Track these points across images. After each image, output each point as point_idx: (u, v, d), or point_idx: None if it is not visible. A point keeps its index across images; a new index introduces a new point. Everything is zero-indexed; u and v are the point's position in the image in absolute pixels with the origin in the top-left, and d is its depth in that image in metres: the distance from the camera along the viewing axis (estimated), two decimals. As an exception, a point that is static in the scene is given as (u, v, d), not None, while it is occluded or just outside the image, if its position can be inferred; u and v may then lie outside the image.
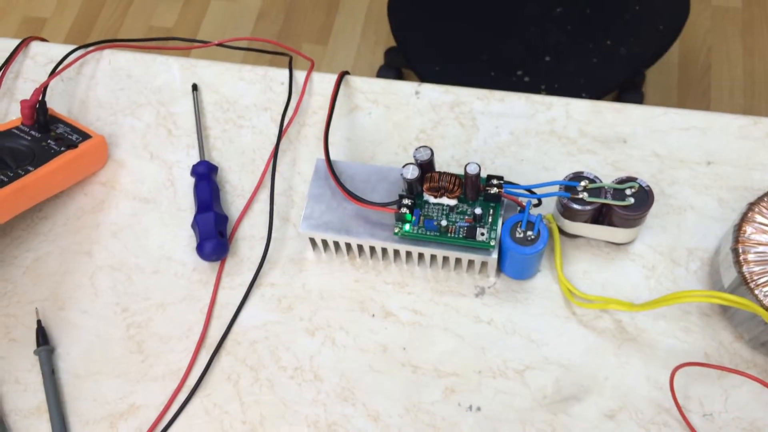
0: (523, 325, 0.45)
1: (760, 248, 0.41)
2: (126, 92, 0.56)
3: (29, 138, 0.49)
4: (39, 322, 0.46)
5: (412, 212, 0.44)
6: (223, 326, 0.46)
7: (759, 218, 0.42)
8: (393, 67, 1.31)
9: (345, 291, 0.47)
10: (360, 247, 0.46)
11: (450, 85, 0.54)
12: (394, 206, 0.44)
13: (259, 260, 0.48)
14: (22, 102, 0.49)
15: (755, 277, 0.40)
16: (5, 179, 0.45)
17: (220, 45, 0.59)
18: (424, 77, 0.93)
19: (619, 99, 1.23)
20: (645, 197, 0.43)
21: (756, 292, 0.40)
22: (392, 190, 0.46)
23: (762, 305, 0.39)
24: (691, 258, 0.46)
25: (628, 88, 1.22)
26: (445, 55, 0.94)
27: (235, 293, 0.47)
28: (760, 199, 0.43)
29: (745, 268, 0.41)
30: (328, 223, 0.46)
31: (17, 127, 0.50)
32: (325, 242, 0.47)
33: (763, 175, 0.48)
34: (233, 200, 0.51)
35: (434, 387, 0.43)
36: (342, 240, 0.46)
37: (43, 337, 0.46)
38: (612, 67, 0.91)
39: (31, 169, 0.47)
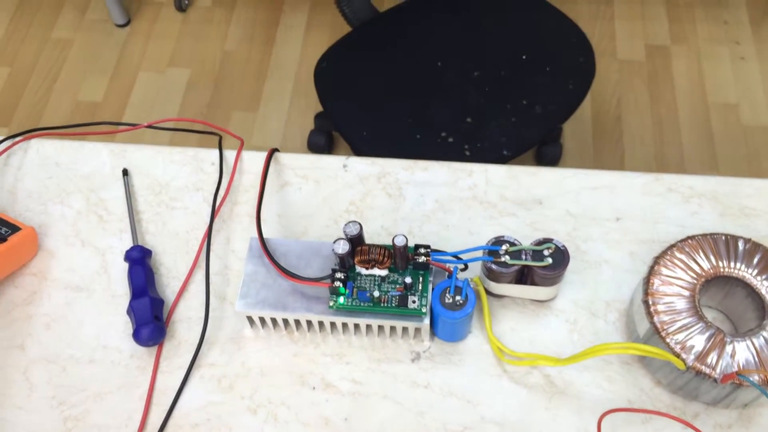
0: (459, 386, 0.47)
1: (667, 299, 0.44)
2: (55, 180, 0.56)
3: (-45, 234, 0.49)
4: (-30, 423, 0.45)
5: (345, 285, 0.46)
6: (163, 412, 0.46)
7: (664, 270, 0.46)
8: (323, 131, 1.34)
9: (285, 366, 0.48)
10: (297, 322, 0.48)
11: (377, 151, 0.57)
12: (327, 280, 0.46)
13: (197, 342, 0.48)
14: (-52, 198, 0.49)
15: (665, 327, 0.43)
16: (-69, 279, 0.44)
17: (149, 127, 0.60)
18: (352, 142, 0.96)
19: (539, 152, 1.30)
20: (561, 257, 0.46)
21: (667, 340, 0.43)
22: (325, 264, 0.48)
23: (674, 352, 0.43)
24: (609, 310, 0.49)
25: (547, 142, 1.29)
26: (371, 119, 0.98)
27: (174, 377, 0.47)
28: (664, 252, 0.46)
29: (655, 318, 0.44)
30: (264, 301, 0.47)
31: (-58, 224, 0.49)
32: (262, 319, 0.48)
33: (667, 227, 0.52)
34: (168, 282, 0.51)
35: (377, 455, 0.45)
36: (279, 316, 0.47)
37: (-26, 439, 0.44)
38: (529, 124, 0.96)
39: (-42, 266, 0.46)
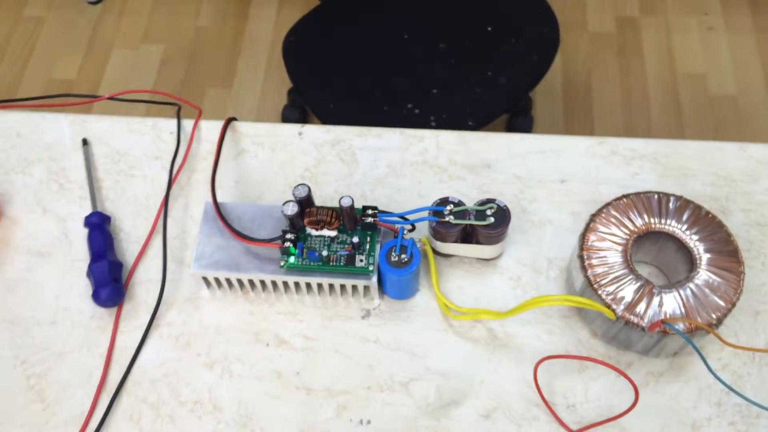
0: (407, 340, 0.49)
1: (602, 253, 0.47)
2: (17, 150, 0.57)
3: None
4: (-65, 382, 0.47)
5: (295, 246, 0.48)
6: (122, 369, 0.48)
7: (600, 227, 0.48)
8: (297, 106, 1.35)
9: (240, 324, 0.50)
10: (251, 282, 0.50)
11: (345, 123, 0.58)
12: (278, 241, 0.48)
13: (155, 303, 0.50)
14: None
15: (598, 279, 0.46)
16: None
17: (111, 98, 0.61)
18: (320, 115, 0.98)
19: (510, 124, 1.31)
20: (503, 216, 0.48)
21: (599, 292, 0.45)
22: (278, 227, 0.50)
23: (605, 303, 0.45)
24: (551, 267, 0.51)
25: (518, 113, 1.31)
26: (338, 92, 0.99)
27: (133, 336, 0.49)
28: (600, 210, 0.49)
29: (589, 272, 0.46)
30: (218, 262, 0.49)
31: None
32: (217, 280, 0.50)
33: (609, 189, 0.54)
34: (128, 247, 0.53)
35: (327, 406, 0.47)
36: (233, 276, 0.49)
37: (-60, 397, 0.46)
38: (495, 95, 0.98)
39: None
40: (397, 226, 0.49)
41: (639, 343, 0.46)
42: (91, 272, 0.50)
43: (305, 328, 0.49)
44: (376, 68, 1.00)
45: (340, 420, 0.46)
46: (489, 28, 1.02)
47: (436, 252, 0.51)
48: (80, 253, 0.52)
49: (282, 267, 0.48)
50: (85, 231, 0.53)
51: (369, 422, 0.46)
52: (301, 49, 1.04)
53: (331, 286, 0.50)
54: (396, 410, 0.46)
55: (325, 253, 0.48)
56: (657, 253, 0.50)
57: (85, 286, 0.51)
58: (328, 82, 1.00)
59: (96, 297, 0.49)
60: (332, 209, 0.48)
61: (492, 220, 0.48)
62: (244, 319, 0.50)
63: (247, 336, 0.49)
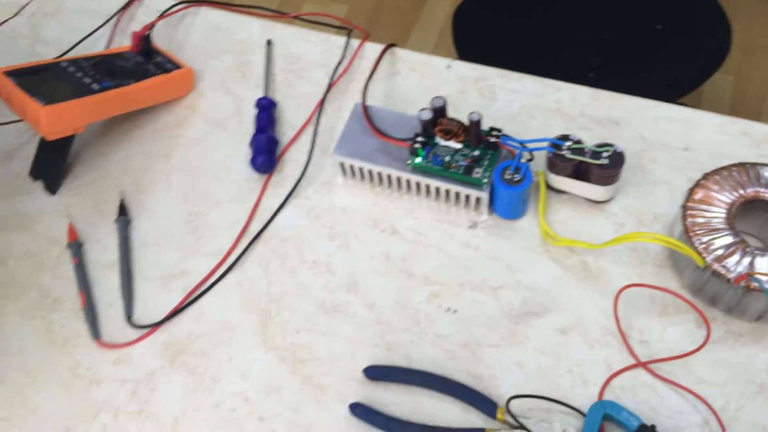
0: (504, 254, 0.54)
1: (705, 207, 0.49)
2: (214, 40, 0.68)
3: (134, 61, 0.62)
4: (122, 200, 0.58)
5: (423, 148, 0.54)
6: (261, 224, 0.57)
7: (711, 185, 0.50)
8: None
9: (363, 210, 0.57)
10: (380, 175, 0.57)
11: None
12: (410, 141, 0.54)
13: (298, 178, 0.59)
14: (133, 33, 0.63)
15: (695, 228, 0.48)
16: (114, 85, 0.58)
17: (296, 17, 0.71)
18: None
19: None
20: (618, 159, 0.52)
21: (693, 239, 0.48)
22: (411, 134, 0.56)
23: (696, 250, 0.47)
24: (656, 221, 0.54)
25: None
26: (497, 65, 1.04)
27: (274, 200, 0.58)
28: (714, 171, 0.51)
29: (689, 221, 0.49)
30: (356, 152, 0.56)
31: (127, 52, 0.63)
32: (352, 168, 0.57)
33: (731, 163, 0.56)
34: (285, 131, 0.62)
35: (422, 291, 0.53)
36: (365, 166, 0.56)
37: (123, 211, 0.58)
38: (648, 95, 0.99)
39: (132, 82, 0.59)
40: (517, 151, 0.54)
41: (724, 297, 0.48)
42: (253, 142, 0.59)
43: (417, 224, 0.56)
44: (537, 49, 1.04)
45: (430, 304, 0.52)
46: (658, 26, 1.03)
47: (549, 187, 0.56)
48: (248, 129, 0.62)
49: (408, 165, 0.55)
50: (255, 111, 0.63)
51: (455, 312, 0.52)
52: (469, 26, 1.10)
53: (447, 192, 0.55)
54: (482, 308, 0.52)
55: (447, 158, 0.54)
56: (763, 224, 0.51)
57: (246, 154, 0.61)
58: (489, 55, 1.06)
59: (253, 162, 0.58)
60: (461, 123, 0.54)
61: (606, 162, 0.52)
62: (368, 207, 0.57)
63: (366, 221, 0.56)
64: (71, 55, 0.66)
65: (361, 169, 0.57)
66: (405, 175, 0.55)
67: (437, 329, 0.51)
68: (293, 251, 0.56)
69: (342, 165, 0.57)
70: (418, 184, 0.56)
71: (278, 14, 0.71)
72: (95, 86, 0.57)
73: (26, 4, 0.70)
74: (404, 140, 0.55)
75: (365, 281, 0.54)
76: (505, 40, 1.06)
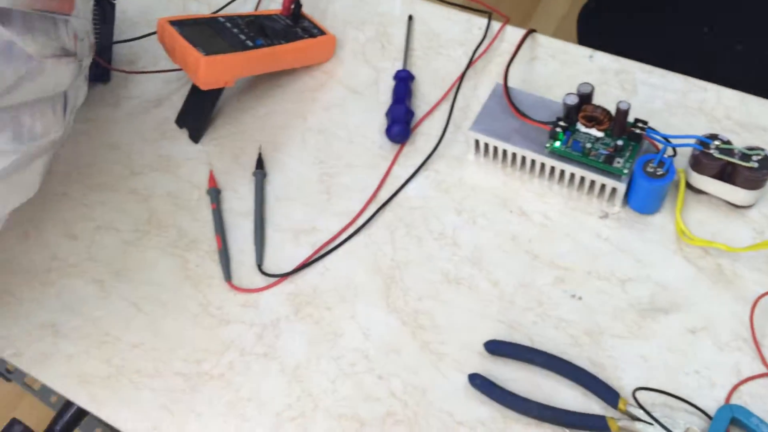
0: (636, 248, 0.53)
1: None
2: (357, 11, 0.70)
3: (284, 23, 0.64)
4: (260, 154, 0.61)
5: (564, 133, 0.54)
6: (391, 191, 0.58)
7: None
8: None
9: (493, 188, 0.57)
10: (514, 156, 0.57)
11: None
12: (551, 125, 0.54)
13: (430, 151, 0.60)
14: (286, -3, 0.65)
15: None
16: (266, 44, 0.60)
17: (434, -4, 0.72)
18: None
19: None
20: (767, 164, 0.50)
21: None
22: (551, 118, 0.56)
23: None
24: (801, 232, 0.52)
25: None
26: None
27: (406, 170, 0.59)
28: None
29: (844, 234, 0.47)
30: (493, 130, 0.56)
31: (277, 15, 0.65)
32: (486, 146, 0.57)
33: None
34: (420, 105, 0.63)
35: (547, 274, 0.53)
36: (501, 146, 0.56)
37: (260, 165, 0.60)
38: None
39: (282, 43, 0.61)
40: (661, 145, 0.53)
41: None
42: (390, 112, 0.60)
43: (546, 208, 0.56)
44: (666, 56, 1.02)
45: (555, 288, 0.52)
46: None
47: (689, 186, 0.54)
48: (384, 99, 0.63)
49: (547, 148, 0.54)
50: (392, 84, 0.64)
51: (580, 298, 0.51)
52: (596, 18, 1.08)
53: (582, 180, 0.55)
54: (608, 298, 0.51)
55: (588, 145, 0.53)
56: None
57: (380, 123, 0.62)
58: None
59: (389, 131, 0.60)
60: (607, 111, 0.53)
61: (756, 165, 0.50)
62: (498, 186, 0.57)
63: (496, 200, 0.57)
64: (226, 12, 0.69)
65: (495, 148, 0.57)
66: (540, 158, 0.55)
67: (561, 313, 0.51)
68: (420, 221, 0.57)
69: (477, 142, 0.58)
70: (552, 169, 0.56)
71: (417, -7, 0.72)
72: (249, 43, 0.59)
73: (184, -37, 0.74)
74: (545, 123, 0.55)
75: (490, 258, 0.54)
76: (629, 41, 1.04)
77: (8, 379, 0.97)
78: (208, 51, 0.56)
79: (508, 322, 0.51)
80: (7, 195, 0.45)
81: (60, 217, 0.60)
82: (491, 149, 0.57)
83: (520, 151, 0.56)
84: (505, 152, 0.57)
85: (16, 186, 0.45)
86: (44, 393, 0.93)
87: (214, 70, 0.56)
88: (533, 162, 0.56)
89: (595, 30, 1.06)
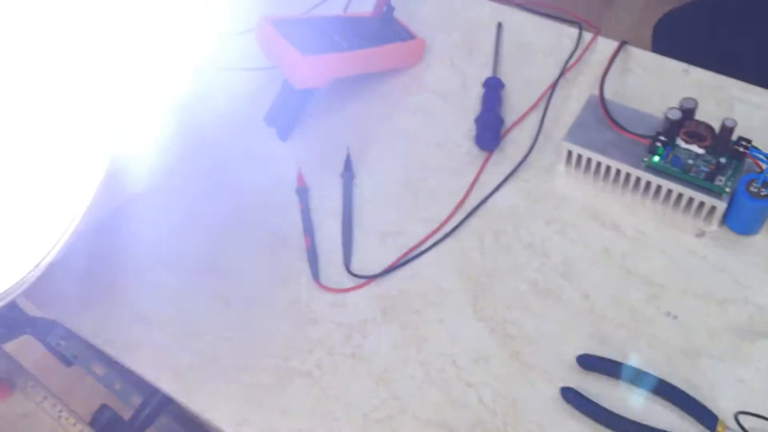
0: (733, 268, 0.52)
1: None
2: (444, 16, 0.70)
3: (376, 26, 0.64)
4: (348, 155, 0.61)
5: (664, 148, 0.53)
6: (480, 197, 0.58)
7: None
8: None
9: (584, 200, 0.57)
10: (608, 169, 0.56)
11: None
12: (650, 139, 0.53)
13: (519, 160, 0.59)
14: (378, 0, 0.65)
15: None
16: (360, 45, 0.60)
17: (518, 5, 0.72)
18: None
19: None
20: None
21: None
22: (646, 131, 0.55)
23: None
24: None
25: None
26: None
27: (494, 177, 0.59)
28: None
29: None
30: (587, 142, 0.56)
31: (369, 17, 0.65)
32: (579, 157, 0.57)
33: None
34: (509, 112, 0.62)
35: (641, 290, 0.52)
36: (595, 158, 0.56)
37: (348, 166, 0.60)
38: None
39: (374, 45, 0.62)
40: (764, 164, 0.52)
41: None
42: (480, 119, 0.60)
43: (639, 223, 0.55)
44: (741, 77, 0.99)
45: (649, 305, 0.51)
46: None
47: (789, 206, 0.53)
48: (471, 105, 0.63)
49: (644, 162, 0.54)
50: (479, 90, 0.64)
51: (675, 317, 0.50)
52: (675, 31, 1.06)
53: (679, 196, 0.54)
54: (704, 318, 0.50)
55: (689, 162, 0.52)
56: None
57: (468, 129, 0.62)
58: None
59: (479, 138, 0.59)
60: (711, 127, 0.52)
61: None
62: (589, 198, 0.57)
63: (587, 212, 0.56)
64: (316, 12, 0.70)
65: (589, 160, 0.57)
66: (637, 172, 0.54)
67: (655, 331, 0.50)
68: (509, 229, 0.56)
69: (570, 153, 0.57)
70: (648, 183, 0.55)
71: (513, 2, 0.72)
72: (345, 44, 0.59)
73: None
74: (643, 137, 0.54)
75: (581, 270, 0.53)
76: (705, 58, 1.02)
77: (70, 364, 0.98)
78: (307, 51, 0.56)
79: (599, 337, 0.50)
80: (121, 189, 0.46)
81: (152, 207, 0.61)
82: (584, 160, 0.57)
83: (616, 164, 0.55)
84: (598, 164, 0.56)
85: (127, 180, 0.46)
86: (109, 380, 0.94)
87: (312, 70, 0.57)
88: (628, 175, 0.55)
89: (675, 42, 1.04)
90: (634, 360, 0.49)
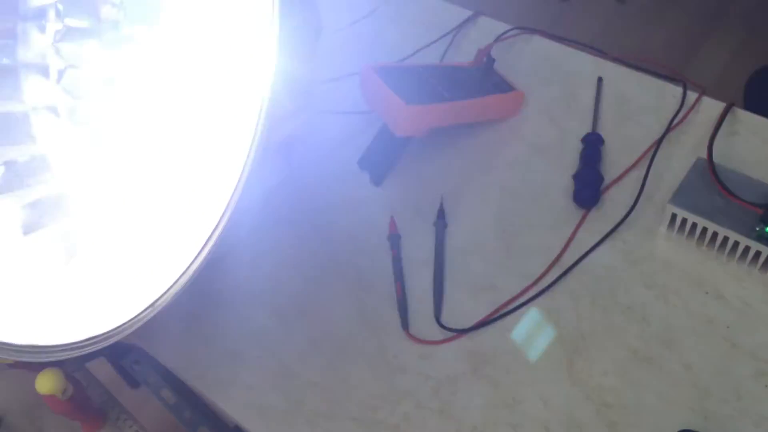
0: None
1: None
2: (542, 69, 0.70)
3: (475, 76, 0.65)
4: (441, 204, 0.61)
5: (778, 217, 0.51)
6: (576, 255, 0.57)
7: None
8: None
9: (687, 266, 0.55)
10: (714, 235, 0.54)
11: None
12: (763, 208, 0.51)
13: (619, 219, 0.58)
14: (479, 50, 0.66)
15: None
16: (460, 96, 0.61)
17: (617, 59, 0.71)
18: None
19: None
20: None
21: None
22: (758, 199, 0.53)
23: None
24: None
25: None
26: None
27: (592, 236, 0.57)
28: None
29: None
30: (693, 206, 0.54)
31: (468, 67, 0.66)
32: (684, 221, 0.55)
33: None
34: (608, 170, 0.61)
35: (747, 365, 0.49)
36: (702, 223, 0.54)
37: (441, 215, 0.60)
38: None
39: (474, 96, 0.62)
40: None
41: None
42: (579, 175, 0.59)
43: (747, 294, 0.53)
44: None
45: (756, 382, 0.49)
46: None
47: None
48: (569, 160, 0.62)
49: (756, 232, 0.52)
50: (576, 144, 0.63)
51: (786, 398, 0.48)
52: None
53: (791, 269, 0.52)
54: (818, 401, 0.47)
55: (806, 234, 0.50)
56: None
57: (565, 184, 0.61)
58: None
59: (578, 195, 0.58)
60: (831, 200, 0.50)
61: None
62: (693, 264, 0.55)
63: (690, 279, 0.54)
64: (414, 60, 0.71)
65: (694, 225, 0.55)
66: (747, 242, 0.52)
67: (763, 410, 0.47)
68: (606, 291, 0.55)
69: (674, 216, 0.55)
70: (758, 253, 0.53)
71: (611, 55, 0.71)
72: (446, 94, 0.60)
73: (375, 9, 0.76)
74: (756, 205, 0.52)
75: (683, 339, 0.51)
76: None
77: (137, 386, 1.00)
78: (410, 100, 0.57)
79: (701, 412, 0.48)
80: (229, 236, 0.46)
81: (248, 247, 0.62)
82: (689, 225, 0.55)
83: (724, 231, 0.53)
84: (704, 230, 0.54)
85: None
86: (178, 408, 0.95)
87: (414, 119, 0.57)
88: (736, 243, 0.53)
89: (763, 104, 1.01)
90: (740, 441, 0.47)
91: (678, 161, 0.60)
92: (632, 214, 0.58)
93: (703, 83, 0.65)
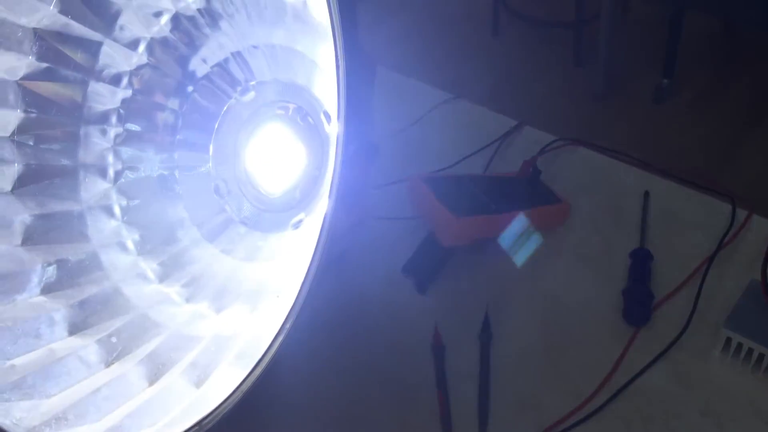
0: None
1: None
2: (588, 180, 0.70)
3: (521, 187, 0.65)
4: (486, 315, 0.60)
5: (841, 348, 0.49)
6: (626, 376, 0.55)
7: None
8: None
9: (744, 393, 0.52)
10: (772, 362, 0.52)
11: None
12: (825, 337, 0.50)
13: (671, 339, 0.56)
14: (524, 161, 0.66)
15: None
16: (507, 208, 0.61)
17: (663, 170, 0.71)
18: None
19: None
20: None
21: None
22: (819, 326, 0.51)
23: None
24: None
25: None
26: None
27: (642, 356, 0.56)
28: None
29: None
30: (749, 331, 0.52)
31: (514, 178, 0.66)
32: (739, 346, 0.53)
33: None
34: (658, 287, 0.60)
35: None
36: (759, 349, 0.52)
37: (486, 326, 0.59)
38: None
39: (521, 208, 0.62)
40: None
41: None
42: (629, 292, 0.58)
43: (811, 428, 0.50)
44: None
45: None
46: None
47: None
48: (617, 274, 0.61)
49: (818, 361, 0.50)
50: (626, 258, 0.62)
51: None
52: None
53: None
54: None
55: None
56: None
57: (614, 300, 0.60)
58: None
59: (627, 312, 0.57)
60: None
61: None
62: (750, 391, 0.52)
63: (748, 407, 0.52)
64: (458, 169, 0.71)
65: (750, 350, 0.53)
66: (807, 370, 0.50)
67: None
68: (659, 416, 0.52)
69: (729, 340, 0.54)
70: (821, 384, 0.51)
71: (655, 167, 0.71)
72: (492, 206, 0.60)
73: (422, 116, 0.78)
74: (817, 333, 0.50)
75: (743, 475, 0.49)
76: None
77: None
78: (459, 212, 0.57)
79: None
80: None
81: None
82: (744, 350, 0.53)
83: (782, 359, 0.51)
84: (761, 356, 0.53)
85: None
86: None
87: (462, 231, 0.57)
88: (796, 373, 0.51)
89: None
90: None
91: (730, 280, 0.59)
92: (684, 334, 0.56)
93: (742, 188, 0.64)
